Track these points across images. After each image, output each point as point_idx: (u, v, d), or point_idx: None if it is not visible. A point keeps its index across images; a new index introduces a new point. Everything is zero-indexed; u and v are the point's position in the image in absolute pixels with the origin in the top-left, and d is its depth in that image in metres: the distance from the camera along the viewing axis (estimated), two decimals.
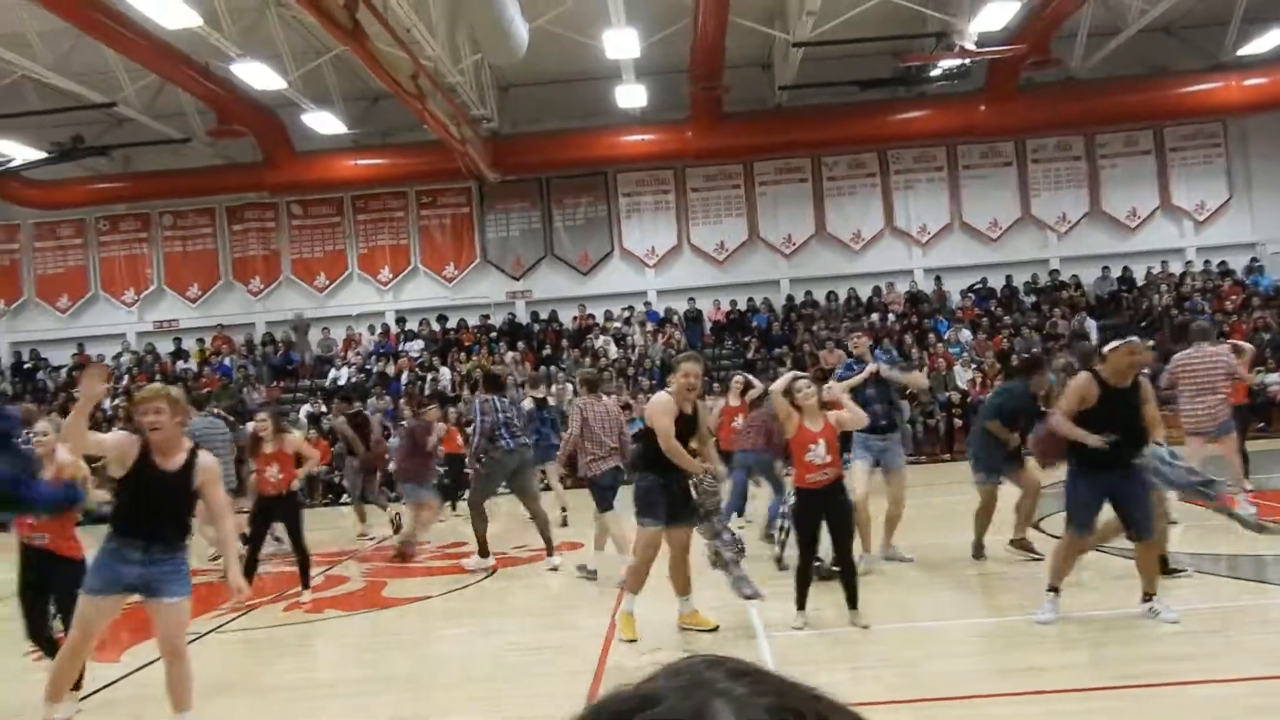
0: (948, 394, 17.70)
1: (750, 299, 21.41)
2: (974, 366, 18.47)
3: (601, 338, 20.79)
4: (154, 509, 4.89)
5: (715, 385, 19.00)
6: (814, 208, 21.55)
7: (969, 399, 17.20)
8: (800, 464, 6.34)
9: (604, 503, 8.36)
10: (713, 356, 20.33)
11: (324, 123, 18.08)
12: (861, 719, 0.81)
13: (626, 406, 16.24)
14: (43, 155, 17.64)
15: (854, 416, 6.69)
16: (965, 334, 19.60)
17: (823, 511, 6.33)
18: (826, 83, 18.31)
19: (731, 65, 17.38)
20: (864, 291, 21.16)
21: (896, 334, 19.07)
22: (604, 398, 8.90)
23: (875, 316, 20.19)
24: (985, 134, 20.16)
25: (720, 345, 20.72)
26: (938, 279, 21.27)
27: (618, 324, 21.30)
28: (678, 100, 19.09)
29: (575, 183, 21.71)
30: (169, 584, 4.86)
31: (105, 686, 6.33)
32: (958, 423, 17.03)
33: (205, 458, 5.04)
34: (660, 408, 6.39)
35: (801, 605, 6.36)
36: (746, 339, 20.41)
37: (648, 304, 21.66)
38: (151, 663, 6.94)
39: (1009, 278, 21.08)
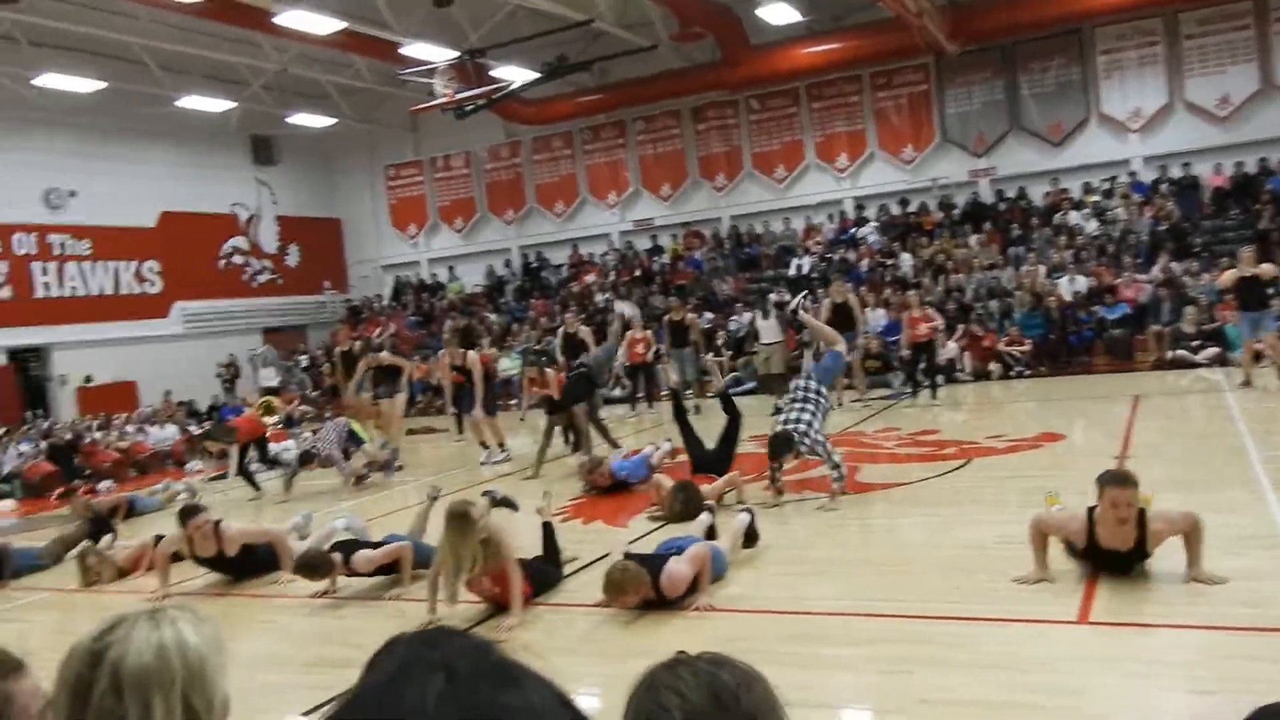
0: None
1: (1263, 159, 18.39)
2: None
3: (1074, 213, 19.11)
4: None
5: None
6: None
7: None
8: None
9: None
10: (1213, 229, 17.90)
11: (777, 13, 18.18)
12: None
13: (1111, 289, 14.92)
14: (535, 76, 19.65)
15: None
16: None
17: None
18: None
19: None
20: None
21: None
22: None
23: None
24: None
25: (1223, 215, 18.12)
26: None
27: (1096, 197, 19.42)
28: None
29: (1044, 45, 19.86)
30: None
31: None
32: None
33: None
34: None
35: None
36: (1257, 206, 17.63)
37: (1132, 173, 19.47)
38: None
39: None
